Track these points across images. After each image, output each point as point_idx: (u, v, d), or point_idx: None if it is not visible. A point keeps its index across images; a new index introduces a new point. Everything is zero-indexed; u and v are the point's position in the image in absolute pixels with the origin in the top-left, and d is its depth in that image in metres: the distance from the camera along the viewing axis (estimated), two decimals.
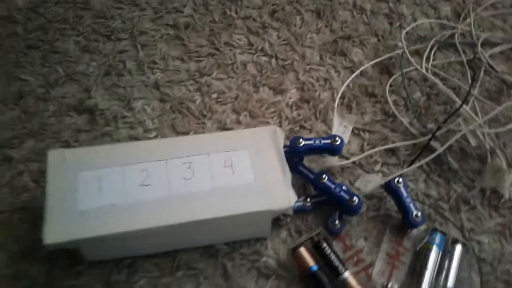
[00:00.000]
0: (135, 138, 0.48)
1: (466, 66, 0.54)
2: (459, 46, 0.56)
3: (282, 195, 0.39)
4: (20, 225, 0.42)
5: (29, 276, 0.40)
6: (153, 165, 0.40)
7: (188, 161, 0.40)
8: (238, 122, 0.50)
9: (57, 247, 0.36)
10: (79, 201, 0.38)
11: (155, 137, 0.48)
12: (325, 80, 0.54)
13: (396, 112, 0.51)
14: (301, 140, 0.43)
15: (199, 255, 0.41)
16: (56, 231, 0.36)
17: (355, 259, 0.41)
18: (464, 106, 0.47)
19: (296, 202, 0.41)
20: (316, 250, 0.40)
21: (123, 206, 0.38)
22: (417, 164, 0.46)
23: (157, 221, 0.37)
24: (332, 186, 0.42)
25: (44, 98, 0.50)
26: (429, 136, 0.47)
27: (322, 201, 0.44)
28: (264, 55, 0.56)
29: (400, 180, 0.42)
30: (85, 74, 0.52)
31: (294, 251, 0.40)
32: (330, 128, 0.49)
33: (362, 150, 0.49)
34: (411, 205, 0.42)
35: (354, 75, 0.53)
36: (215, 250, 0.42)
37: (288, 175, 0.41)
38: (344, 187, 0.43)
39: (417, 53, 0.57)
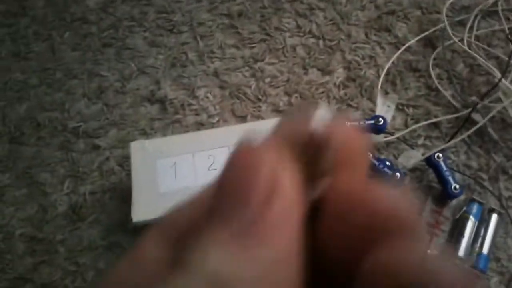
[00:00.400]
0: (201, 124, 0.54)
1: (508, 35, 0.55)
2: (501, 14, 0.57)
3: None
4: (111, 203, 0.50)
5: (121, 245, 0.48)
6: (218, 151, 0.46)
7: None
8: (290, 104, 0.54)
9: (143, 224, 0.44)
10: (159, 185, 0.45)
11: (218, 121, 0.54)
12: (370, 57, 0.57)
13: (439, 86, 0.53)
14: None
15: None
16: (142, 211, 0.43)
17: None
18: (503, 79, 0.49)
19: None
20: None
21: (196, 189, 0.44)
22: (459, 138, 0.49)
23: None
24: (376, 163, 0.46)
25: (122, 91, 0.57)
26: (470, 109, 0.49)
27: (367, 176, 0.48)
28: (312, 37, 0.60)
29: (440, 155, 0.46)
30: (153, 67, 0.59)
31: None
32: (376, 105, 0.53)
33: (406, 125, 0.52)
34: (450, 178, 0.45)
35: (399, 52, 0.56)
36: None
37: None
38: (387, 163, 0.47)
39: (461, 24, 0.58)
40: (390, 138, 0.50)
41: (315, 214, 0.15)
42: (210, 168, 0.45)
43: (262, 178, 0.14)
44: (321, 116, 0.16)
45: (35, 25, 0.64)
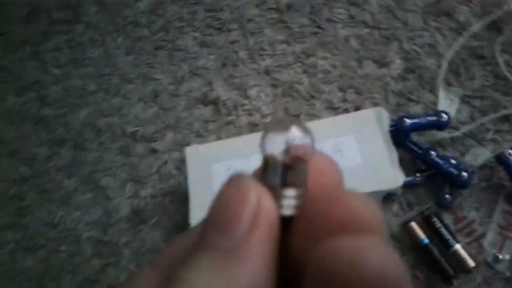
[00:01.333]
0: (254, 124, 0.52)
1: None
2: None
3: (390, 175, 0.41)
4: (171, 206, 0.50)
5: None
6: None
7: None
8: (345, 100, 0.51)
9: None
10: (215, 189, 0.43)
11: None
12: (430, 46, 0.52)
13: (508, 74, 0.48)
14: (406, 120, 0.43)
15: None
16: (200, 215, 0.42)
17: (467, 230, 0.42)
18: None
19: (406, 176, 0.43)
20: (427, 223, 0.42)
21: None
22: None
23: None
24: (441, 162, 0.42)
25: (175, 94, 0.56)
26: None
27: (432, 174, 0.44)
28: (365, 27, 0.55)
29: (511, 151, 0.41)
30: (205, 68, 0.57)
31: (405, 225, 0.42)
32: (438, 98, 0.48)
33: (472, 118, 0.47)
34: None
35: (462, 38, 0.51)
36: None
37: (395, 155, 0.42)
38: (453, 161, 0.43)
39: None
40: (456, 134, 0.45)
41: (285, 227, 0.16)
42: None
43: (249, 208, 0.15)
44: (295, 136, 0.16)
45: (90, 31, 0.64)
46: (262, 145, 0.16)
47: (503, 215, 0.42)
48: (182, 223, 0.48)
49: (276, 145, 0.16)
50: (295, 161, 0.16)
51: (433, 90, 0.49)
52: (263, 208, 0.15)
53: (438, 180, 0.44)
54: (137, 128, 0.55)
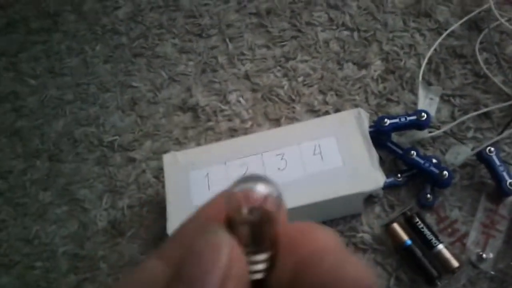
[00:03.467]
0: (234, 130, 0.53)
1: None
2: None
3: (371, 176, 0.41)
4: (149, 216, 0.50)
5: None
6: (251, 159, 0.44)
7: (281, 152, 0.44)
8: (326, 103, 0.52)
9: None
10: (193, 197, 0.44)
11: (251, 126, 0.52)
12: (410, 46, 0.53)
13: (488, 72, 0.49)
14: (386, 120, 0.44)
15: None
16: (177, 225, 0.42)
17: (449, 230, 0.42)
18: None
19: (387, 177, 0.43)
20: (409, 224, 0.42)
21: None
22: None
23: None
24: (421, 161, 0.43)
25: (154, 101, 0.57)
26: None
27: (413, 174, 0.45)
28: (345, 29, 0.57)
29: (492, 149, 0.42)
30: (184, 74, 0.58)
31: (387, 226, 0.42)
32: (418, 97, 0.49)
33: (453, 117, 0.48)
34: (505, 173, 0.41)
35: (441, 37, 0.52)
36: None
37: (375, 156, 0.42)
38: (434, 161, 0.43)
39: (509, 2, 0.53)
40: (436, 132, 0.46)
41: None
42: None
43: (218, 269, 0.14)
44: (261, 193, 0.16)
45: (68, 40, 0.65)
46: (227, 205, 0.16)
47: (486, 213, 0.42)
48: (160, 233, 0.48)
49: (242, 202, 0.16)
50: (263, 219, 0.16)
51: (413, 90, 0.50)
52: (234, 270, 0.15)
53: (420, 180, 0.45)
54: (114, 138, 0.55)
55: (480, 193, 0.43)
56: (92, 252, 0.49)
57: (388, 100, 0.51)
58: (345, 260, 0.15)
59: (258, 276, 0.16)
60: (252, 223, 0.15)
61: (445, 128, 0.46)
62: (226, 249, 0.15)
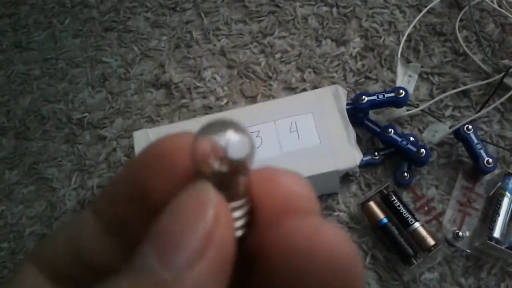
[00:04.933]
0: (208, 107, 0.51)
1: None
2: None
3: (348, 154, 0.41)
4: None
5: None
6: None
7: (256, 129, 0.43)
8: (303, 80, 0.51)
9: None
10: None
11: (226, 104, 0.51)
12: (390, 23, 0.53)
13: (467, 50, 0.48)
14: (363, 97, 0.43)
15: None
16: None
17: (426, 208, 0.42)
18: None
19: (364, 156, 0.43)
20: (385, 203, 0.42)
21: None
22: (491, 106, 0.44)
23: None
24: (399, 139, 0.43)
25: (125, 78, 0.55)
26: (503, 74, 0.45)
27: (391, 153, 0.44)
28: (324, 5, 0.55)
29: (470, 126, 0.42)
30: (157, 50, 0.56)
31: (363, 205, 0.42)
32: (396, 74, 0.49)
33: (431, 95, 0.48)
34: (482, 151, 0.41)
35: (421, 14, 0.51)
36: None
37: (352, 134, 0.42)
38: (411, 139, 0.43)
39: None
40: (414, 110, 0.46)
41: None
42: None
43: (201, 227, 0.12)
44: (232, 140, 0.13)
45: (35, 13, 0.62)
46: (193, 154, 0.14)
47: (463, 191, 0.42)
48: None
49: (210, 152, 0.13)
50: (234, 170, 0.14)
51: (392, 68, 0.50)
52: (220, 231, 0.13)
53: (397, 159, 0.44)
54: (84, 115, 0.53)
55: (457, 172, 0.43)
56: None
57: (367, 77, 0.50)
58: (320, 226, 0.13)
59: (238, 234, 0.14)
60: (224, 175, 0.13)
61: (423, 106, 0.46)
62: (212, 206, 0.13)
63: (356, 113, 0.44)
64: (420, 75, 0.48)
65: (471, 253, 0.40)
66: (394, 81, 0.48)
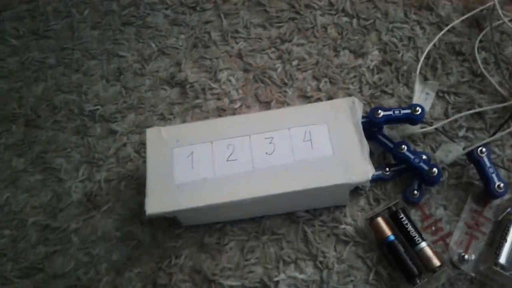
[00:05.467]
0: (222, 109, 0.51)
1: None
2: None
3: (360, 168, 0.41)
4: (127, 192, 0.49)
5: (135, 238, 0.46)
6: (238, 141, 0.43)
7: (270, 136, 0.43)
8: (318, 90, 0.51)
9: (157, 216, 0.42)
10: (175, 176, 0.42)
11: (240, 107, 0.51)
12: (409, 38, 0.53)
13: (485, 72, 0.48)
14: (379, 111, 0.43)
15: (282, 221, 0.45)
16: (156, 203, 0.41)
17: (433, 228, 0.42)
18: None
19: (375, 171, 0.43)
20: (393, 220, 0.42)
21: (213, 180, 0.42)
22: (506, 131, 0.44)
23: (243, 194, 0.41)
24: (411, 157, 0.43)
25: (141, 73, 0.55)
26: None
27: (401, 169, 0.44)
28: (345, 16, 0.56)
29: (484, 149, 0.42)
30: (175, 48, 0.56)
31: (371, 220, 0.42)
32: (413, 92, 0.49)
33: (446, 114, 0.48)
34: (494, 175, 0.41)
35: (441, 33, 0.51)
36: (296, 217, 0.45)
37: (366, 147, 0.42)
38: (424, 157, 0.43)
39: None
40: (428, 129, 0.46)
41: None
42: (229, 159, 0.43)
43: None
44: None
45: (55, 1, 0.62)
46: None
47: (471, 214, 0.42)
48: (137, 210, 0.47)
49: None
50: None
51: (408, 84, 0.50)
52: None
53: (407, 176, 0.44)
54: (96, 107, 0.53)
55: (467, 194, 0.43)
56: (64, 224, 0.48)
57: (383, 91, 0.50)
58: None
59: None
60: None
61: (438, 125, 0.46)
62: None
63: (370, 127, 0.44)
64: (436, 94, 0.48)
65: (476, 277, 0.40)
66: (410, 97, 0.48)
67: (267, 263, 0.44)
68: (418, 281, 0.39)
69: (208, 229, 0.46)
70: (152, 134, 0.45)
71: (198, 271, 0.44)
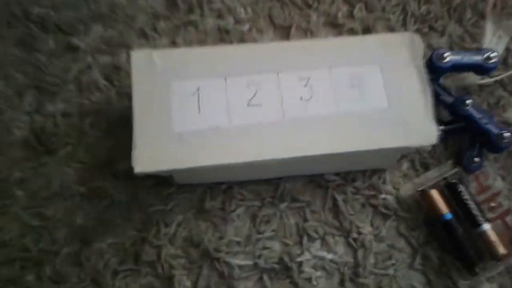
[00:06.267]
0: (225, 31, 0.39)
1: None
2: None
3: (424, 127, 0.31)
4: (92, 132, 0.36)
5: (107, 195, 0.35)
6: (263, 79, 0.32)
7: (306, 76, 0.32)
8: (351, 17, 0.40)
9: (148, 174, 0.30)
10: (174, 121, 0.31)
11: (249, 30, 0.39)
12: None
13: None
14: (446, 54, 0.34)
15: (305, 185, 0.36)
16: (148, 158, 0.30)
17: (491, 204, 0.35)
18: None
19: None
20: (450, 192, 0.34)
21: (228, 131, 0.31)
22: None
23: (268, 154, 0.30)
24: (478, 116, 0.34)
25: None
26: None
27: (457, 128, 0.36)
28: None
29: None
30: None
31: (424, 193, 0.34)
32: (466, 31, 0.39)
33: (506, 63, 0.39)
34: None
35: None
36: (324, 180, 0.36)
37: (430, 100, 0.32)
38: (491, 117, 0.35)
39: None
40: (488, 81, 0.37)
41: None
42: (251, 103, 0.32)
43: None
44: None
45: None
46: None
47: None
48: (105, 159, 0.36)
49: None
50: None
51: (462, 21, 0.40)
52: None
53: (463, 137, 0.36)
54: (48, 11, 0.39)
55: None
56: (4, 172, 0.35)
57: (431, 28, 0.40)
58: None
59: None
60: None
61: (499, 76, 0.38)
62: None
63: (429, 74, 0.35)
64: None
65: None
66: (463, 39, 0.39)
67: (286, 238, 0.34)
68: (478, 271, 0.32)
69: (209, 189, 0.35)
70: (139, 60, 0.32)
71: (195, 244, 0.34)
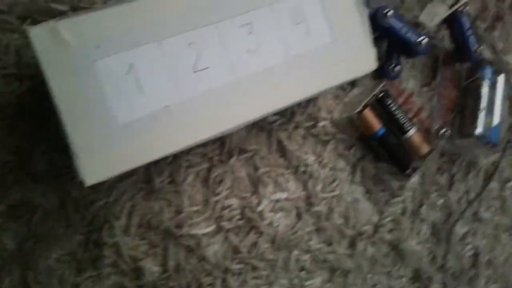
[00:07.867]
0: None
1: None
2: None
3: (365, 55, 0.32)
4: None
5: (36, 207, 0.29)
6: (201, 34, 0.28)
7: (247, 21, 0.29)
8: None
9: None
10: (114, 110, 0.26)
11: None
12: None
13: None
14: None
15: (248, 133, 0.34)
16: (98, 163, 0.25)
17: (408, 106, 0.39)
18: None
19: None
20: (380, 106, 0.36)
21: (180, 109, 0.27)
22: None
23: (228, 122, 0.28)
24: (399, 26, 0.35)
25: None
26: None
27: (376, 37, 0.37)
28: None
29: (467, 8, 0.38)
30: None
31: (359, 114, 0.36)
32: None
33: None
34: (472, 38, 0.38)
35: None
36: (266, 123, 0.35)
37: (367, 25, 0.32)
38: (408, 26, 0.36)
39: None
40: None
41: None
42: (197, 68, 0.27)
43: None
44: None
45: None
46: None
47: (444, 82, 0.40)
48: (14, 163, 0.29)
49: None
50: None
51: None
52: None
53: (378, 45, 0.38)
54: None
55: (437, 61, 0.40)
56: None
57: None
58: None
59: None
60: None
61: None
62: None
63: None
64: None
65: (450, 150, 0.40)
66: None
67: (242, 191, 0.34)
68: (411, 173, 0.37)
69: (153, 166, 0.32)
70: (43, 39, 0.24)
71: (153, 227, 0.32)
